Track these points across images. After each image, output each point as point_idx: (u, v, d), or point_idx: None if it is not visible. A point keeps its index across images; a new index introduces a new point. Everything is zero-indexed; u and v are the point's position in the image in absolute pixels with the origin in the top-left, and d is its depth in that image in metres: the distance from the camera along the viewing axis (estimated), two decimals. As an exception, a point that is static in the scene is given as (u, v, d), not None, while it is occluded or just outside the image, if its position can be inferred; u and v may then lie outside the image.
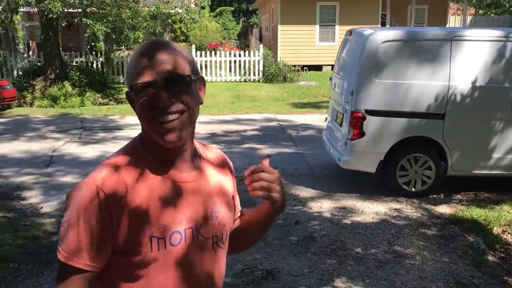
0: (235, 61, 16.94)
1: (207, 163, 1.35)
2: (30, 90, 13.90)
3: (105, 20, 13.69)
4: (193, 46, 17.02)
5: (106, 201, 1.11)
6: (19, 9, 13.33)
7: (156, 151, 1.22)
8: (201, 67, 16.69)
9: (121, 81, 16.33)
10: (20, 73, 15.09)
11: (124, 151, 1.24)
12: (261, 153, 7.66)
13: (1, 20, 12.67)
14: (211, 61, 16.69)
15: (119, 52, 16.52)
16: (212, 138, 8.76)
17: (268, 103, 13.17)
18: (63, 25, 15.46)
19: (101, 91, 14.55)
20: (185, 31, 19.41)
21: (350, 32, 6.15)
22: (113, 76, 16.33)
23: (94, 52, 16.36)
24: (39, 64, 15.45)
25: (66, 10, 13.83)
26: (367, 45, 5.38)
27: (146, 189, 1.17)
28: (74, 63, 15.78)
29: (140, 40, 14.31)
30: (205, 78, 16.70)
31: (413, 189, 5.58)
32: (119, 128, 9.73)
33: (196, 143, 1.35)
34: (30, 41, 19.51)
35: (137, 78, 1.15)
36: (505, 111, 5.35)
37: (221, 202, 1.33)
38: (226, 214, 1.34)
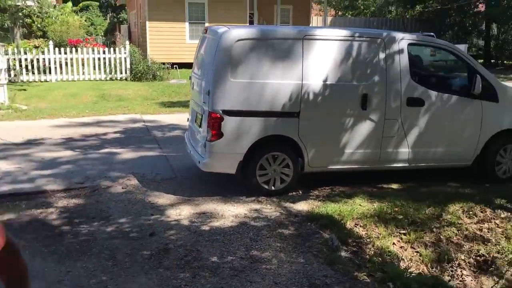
0: (99, 59, 15.90)
1: None
2: None
3: None
4: (51, 42, 15.59)
5: None
6: None
7: None
8: (60, 65, 15.39)
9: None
10: None
11: None
12: (120, 158, 7.15)
13: None
14: (71, 58, 15.46)
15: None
16: (67, 143, 7.99)
17: (135, 103, 12.54)
18: None
19: None
20: (42, 26, 17.74)
21: (205, 30, 5.94)
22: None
23: None
24: None
25: None
26: (221, 44, 5.21)
27: None
28: None
29: (-15, 36, 12.66)
30: (67, 77, 15.47)
31: (272, 187, 5.56)
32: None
33: None
34: None
35: None
36: (355, 108, 5.56)
37: None
38: None
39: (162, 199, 5.48)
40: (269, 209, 5.20)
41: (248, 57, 5.25)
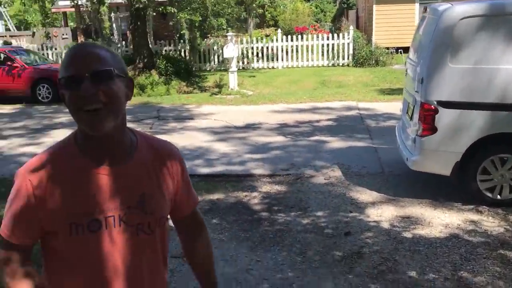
0: (323, 45, 16.12)
1: (145, 155, 1.41)
2: (120, 79, 14.38)
3: (189, 8, 13.66)
4: (279, 30, 16.46)
5: (32, 189, 1.29)
6: (105, 1, 13.81)
7: (85, 143, 1.33)
8: (286, 52, 16.14)
9: (207, 69, 16.38)
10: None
11: (56, 145, 1.38)
12: (328, 147, 6.98)
13: (89, 12, 13.19)
14: (297, 45, 16.05)
15: (205, 39, 16.50)
16: (281, 129, 8.23)
17: (354, 89, 12.27)
18: (153, 14, 15.80)
19: (187, 79, 14.63)
20: (274, 15, 18.91)
21: (425, 9, 5.22)
22: (200, 64, 16.42)
23: (182, 41, 16.53)
24: (129, 53, 15.97)
25: (154, -1, 14.01)
26: (441, 23, 4.46)
27: (69, 180, 1.31)
28: (164, 52, 16.07)
29: (224, 27, 14.09)
30: (292, 63, 16.16)
31: (498, 196, 4.59)
32: (190, 117, 9.58)
33: (137, 135, 1.44)
34: (128, 32, 20.33)
35: (64, 72, 1.26)
36: None
37: (153, 192, 1.39)
38: (158, 204, 1.40)
39: (364, 195, 5.09)
40: (491, 223, 4.30)
41: (475, 38, 4.37)
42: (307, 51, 16.15)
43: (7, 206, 1.36)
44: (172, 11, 13.48)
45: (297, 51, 16.11)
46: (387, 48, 16.17)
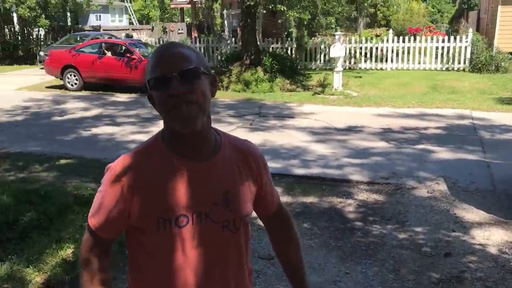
0: (437, 47, 15.18)
1: (229, 153, 1.42)
2: (227, 75, 14.74)
3: (298, 6, 13.63)
4: (390, 31, 15.80)
5: (121, 185, 1.31)
6: (218, -2, 14.29)
7: (173, 141, 1.35)
8: (397, 53, 15.45)
9: (313, 68, 16.23)
10: (223, 58, 16.25)
11: (144, 143, 1.41)
12: (434, 157, 6.53)
13: (203, 9, 13.71)
14: (409, 47, 15.29)
15: (313, 38, 16.36)
16: (384, 134, 7.88)
17: (468, 97, 11.39)
18: (263, 12, 16.03)
19: (291, 77, 14.62)
20: (387, 15, 18.22)
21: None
22: (306, 63, 16.33)
23: (289, 39, 16.56)
24: (238, 49, 16.36)
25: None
26: None
27: (157, 176, 1.32)
28: (271, 50, 16.23)
29: (333, 26, 13.87)
30: (402, 65, 15.45)
31: None
32: (291, 116, 9.55)
33: (220, 134, 1.45)
34: (238, 28, 20.87)
35: (152, 73, 1.29)
36: None
37: (236, 190, 1.40)
38: (241, 202, 1.41)
39: (470, 214, 4.67)
40: None
41: None
42: (419, 53, 15.32)
43: (97, 200, 1.38)
44: (282, 9, 13.53)
45: (408, 52, 15.36)
46: (511, 54, 14.80)
